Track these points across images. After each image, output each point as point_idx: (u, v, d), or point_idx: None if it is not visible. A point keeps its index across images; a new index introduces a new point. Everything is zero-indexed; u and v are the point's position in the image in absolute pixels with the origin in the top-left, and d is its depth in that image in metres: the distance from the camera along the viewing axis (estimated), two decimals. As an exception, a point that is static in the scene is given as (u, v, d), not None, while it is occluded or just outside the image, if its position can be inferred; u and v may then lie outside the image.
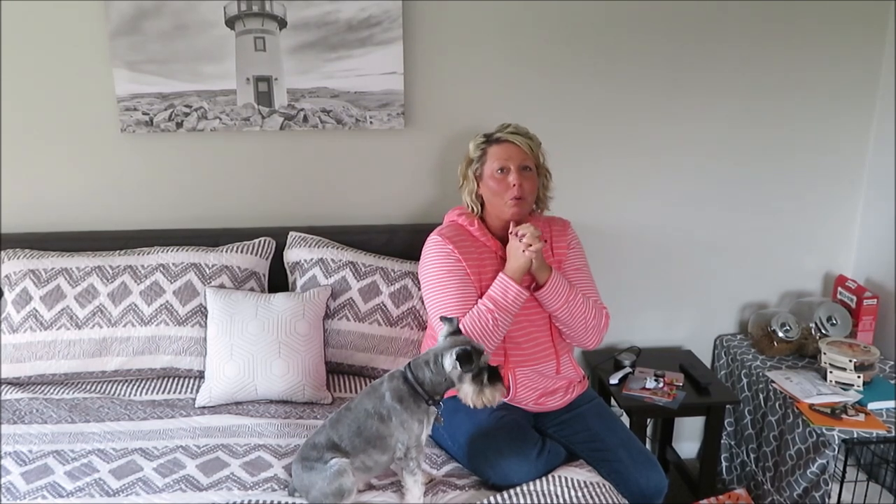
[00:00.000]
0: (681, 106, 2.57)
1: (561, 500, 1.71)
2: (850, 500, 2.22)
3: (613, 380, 2.49)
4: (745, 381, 2.59)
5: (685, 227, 2.71)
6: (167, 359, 2.28)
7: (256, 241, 2.43)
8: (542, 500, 1.71)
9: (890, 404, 2.25)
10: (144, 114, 2.41)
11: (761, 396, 2.47)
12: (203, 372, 2.27)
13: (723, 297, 2.80)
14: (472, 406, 1.67)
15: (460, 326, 1.82)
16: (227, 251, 2.39)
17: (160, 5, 2.31)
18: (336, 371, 2.36)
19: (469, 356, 1.63)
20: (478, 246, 2.03)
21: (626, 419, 2.32)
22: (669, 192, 2.67)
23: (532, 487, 1.75)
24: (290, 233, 2.46)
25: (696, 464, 2.81)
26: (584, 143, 2.58)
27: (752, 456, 2.56)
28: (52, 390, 2.24)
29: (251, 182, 2.53)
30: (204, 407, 2.15)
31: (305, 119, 2.45)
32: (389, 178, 2.56)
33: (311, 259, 2.39)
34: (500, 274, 1.94)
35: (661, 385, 2.44)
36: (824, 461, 2.14)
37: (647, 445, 2.55)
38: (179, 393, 2.25)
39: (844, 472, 2.15)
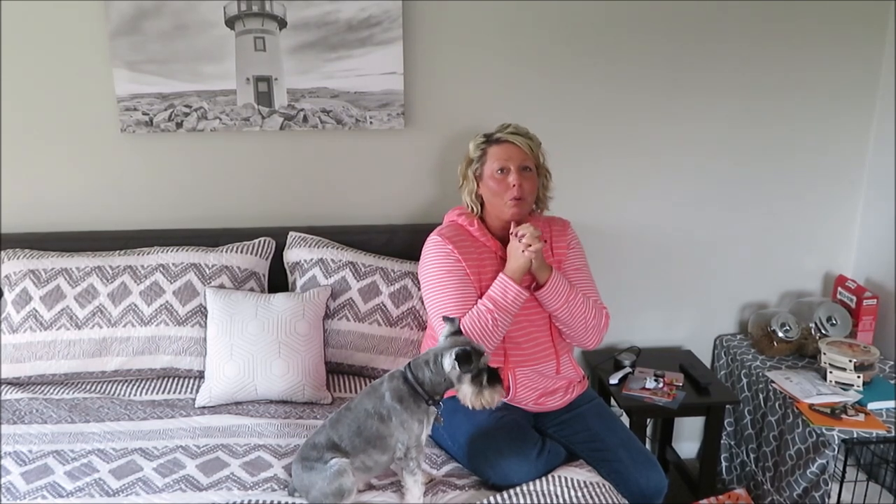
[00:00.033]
0: (681, 106, 2.57)
1: (561, 500, 1.71)
2: (849, 500, 2.22)
3: (613, 380, 2.49)
4: (744, 381, 2.59)
5: (685, 227, 2.71)
6: (167, 359, 2.28)
7: (256, 241, 2.43)
8: (542, 500, 1.71)
9: (890, 404, 2.25)
10: (144, 114, 2.41)
11: (761, 396, 2.47)
12: (203, 372, 2.27)
13: (723, 297, 2.80)
14: (470, 407, 1.67)
15: (460, 326, 1.82)
16: (227, 251, 2.39)
17: (160, 5, 2.31)
18: (336, 371, 2.36)
19: (468, 356, 1.63)
20: (477, 246, 2.03)
21: (626, 419, 2.32)
22: (669, 192, 2.67)
23: (532, 487, 1.75)
24: (290, 233, 2.46)
25: (695, 464, 2.81)
26: (584, 143, 2.58)
27: (751, 456, 2.56)
28: (52, 390, 2.24)
29: (251, 182, 2.53)
30: (204, 407, 2.15)
31: (305, 119, 2.45)
32: (389, 178, 2.56)
33: (311, 259, 2.39)
34: (500, 274, 1.94)
35: (660, 385, 2.44)
36: (824, 461, 2.14)
37: (647, 445, 2.55)
38: (179, 393, 2.25)
39: (844, 472, 2.15)
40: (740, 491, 2.46)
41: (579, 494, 1.74)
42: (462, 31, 2.44)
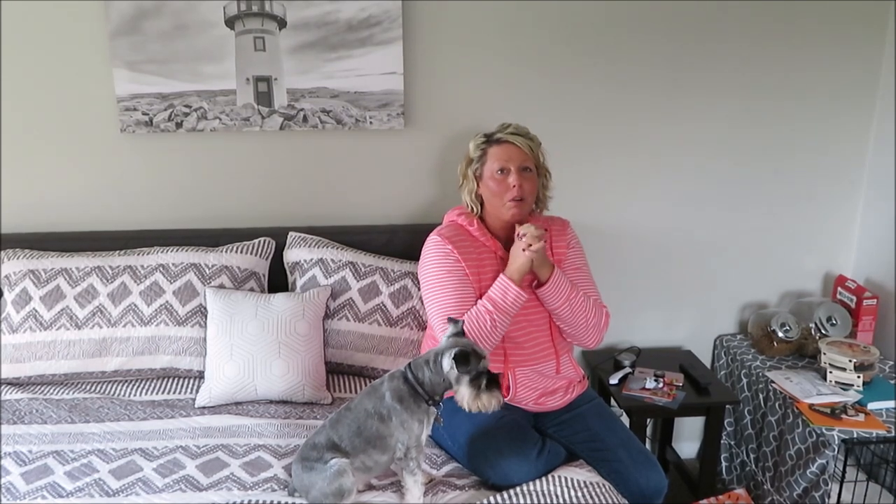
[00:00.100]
0: (681, 106, 2.57)
1: (561, 500, 1.71)
2: (849, 500, 2.22)
3: (613, 380, 2.49)
4: (744, 381, 2.59)
5: (685, 227, 2.71)
6: (167, 359, 2.28)
7: (256, 241, 2.43)
8: (542, 500, 1.71)
9: (890, 404, 2.25)
10: (144, 114, 2.41)
11: (761, 396, 2.47)
12: (203, 372, 2.27)
13: (723, 297, 2.80)
14: (467, 410, 1.67)
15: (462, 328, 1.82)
16: (226, 251, 2.39)
17: (160, 5, 2.31)
18: (336, 371, 2.36)
19: (467, 357, 1.63)
20: (477, 246, 2.03)
21: (625, 419, 2.32)
22: (669, 192, 2.67)
23: (532, 487, 1.75)
24: (290, 233, 2.46)
25: (695, 464, 2.81)
26: (584, 143, 2.58)
27: (751, 456, 2.56)
28: (51, 390, 2.24)
29: (251, 182, 2.53)
30: (204, 407, 2.15)
31: (305, 119, 2.45)
32: (389, 178, 2.56)
33: (311, 259, 2.39)
34: (501, 275, 1.94)
35: (660, 385, 2.44)
36: (824, 461, 2.14)
37: (647, 445, 2.55)
38: (179, 393, 2.25)
39: (844, 472, 2.15)
40: (740, 491, 2.45)
41: (579, 494, 1.74)
42: (462, 31, 2.44)
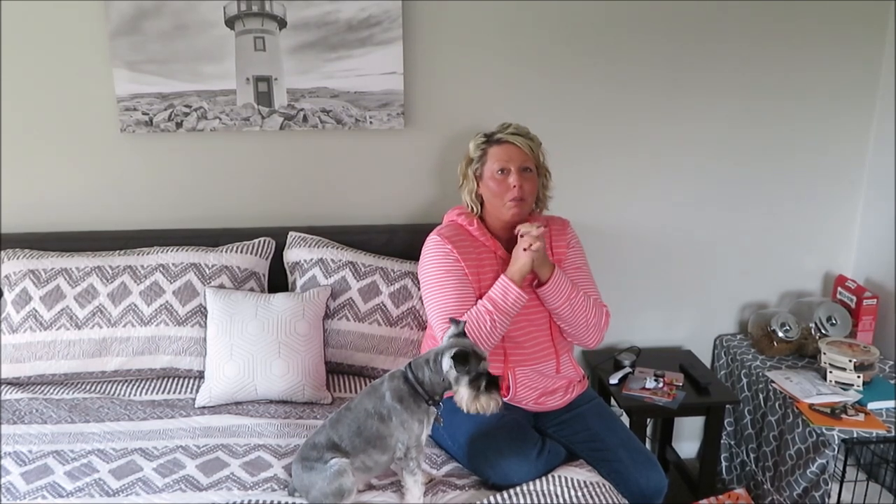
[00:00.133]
0: (681, 106, 2.57)
1: (561, 500, 1.71)
2: (849, 500, 2.22)
3: (613, 380, 2.49)
4: (744, 381, 2.59)
5: (685, 227, 2.71)
6: (167, 359, 2.28)
7: (256, 241, 2.43)
8: (542, 500, 1.71)
9: (890, 404, 2.25)
10: (144, 114, 2.41)
11: (761, 396, 2.47)
12: (203, 372, 2.27)
13: (723, 297, 2.80)
14: (465, 411, 1.67)
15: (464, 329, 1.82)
16: (226, 251, 2.39)
17: (160, 5, 2.31)
18: (336, 371, 2.36)
19: (465, 357, 1.63)
20: (477, 246, 2.03)
21: (625, 419, 2.32)
22: (669, 192, 2.67)
23: (532, 487, 1.75)
24: (290, 233, 2.46)
25: (695, 464, 2.81)
26: (584, 143, 2.58)
27: (751, 456, 2.56)
28: (51, 390, 2.24)
29: (251, 182, 2.53)
30: (204, 407, 2.15)
31: (305, 119, 2.45)
32: (389, 178, 2.56)
33: (311, 259, 2.39)
34: (502, 276, 1.94)
35: (660, 385, 2.44)
36: (824, 461, 2.14)
37: (647, 445, 2.55)
38: (179, 393, 2.25)
39: (844, 471, 2.15)
40: (740, 491, 2.46)
41: (579, 494, 1.74)
42: (462, 31, 2.44)
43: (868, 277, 2.69)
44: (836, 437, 2.11)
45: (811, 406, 2.25)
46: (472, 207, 2.09)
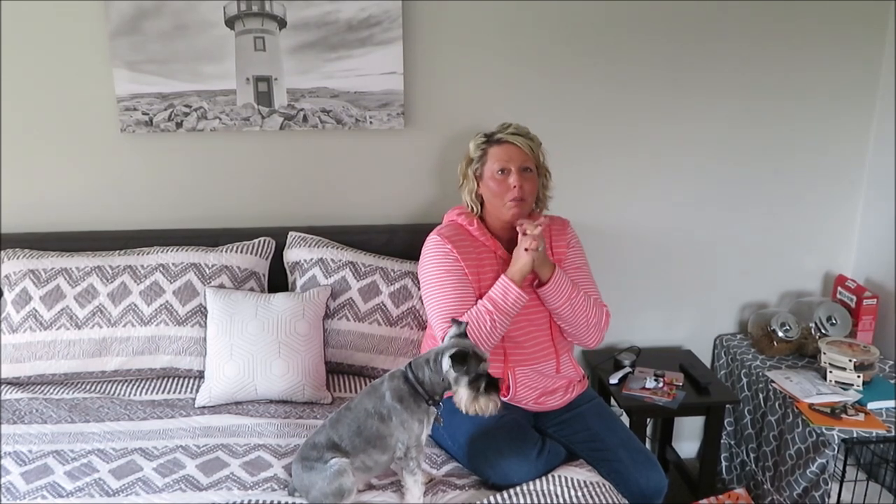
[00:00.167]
0: (681, 106, 2.57)
1: (561, 500, 1.71)
2: (849, 500, 2.22)
3: (613, 379, 2.49)
4: (744, 380, 2.59)
5: (685, 227, 2.71)
6: (167, 359, 2.28)
7: (256, 241, 2.43)
8: (542, 500, 1.71)
9: (890, 404, 2.25)
10: (144, 114, 2.41)
11: (761, 396, 2.47)
12: (203, 372, 2.27)
13: (723, 297, 2.80)
14: (464, 412, 1.67)
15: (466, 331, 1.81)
16: (226, 251, 2.39)
17: (160, 5, 2.31)
18: (336, 371, 2.36)
19: (464, 356, 1.63)
20: (477, 246, 2.03)
21: (625, 419, 2.32)
22: (669, 192, 2.67)
23: (532, 487, 1.75)
24: (290, 233, 2.46)
25: (695, 464, 2.81)
26: (584, 143, 2.58)
27: (751, 456, 2.56)
28: (51, 390, 2.24)
29: (251, 182, 2.53)
30: (204, 407, 2.15)
31: (305, 119, 2.45)
32: (389, 178, 2.56)
33: (311, 259, 2.39)
34: (502, 276, 1.94)
35: (660, 385, 2.44)
36: (824, 461, 2.14)
37: (647, 445, 2.55)
38: (179, 393, 2.25)
39: (844, 471, 2.15)
40: (740, 491, 2.45)
41: (579, 494, 1.74)
42: (462, 31, 2.44)
43: (868, 277, 2.69)
44: (836, 436, 2.11)
45: (811, 406, 2.25)
46: (472, 207, 2.09)
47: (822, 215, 2.73)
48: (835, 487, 2.17)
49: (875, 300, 2.54)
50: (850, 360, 2.32)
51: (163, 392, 2.25)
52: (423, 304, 2.13)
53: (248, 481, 1.79)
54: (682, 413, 2.45)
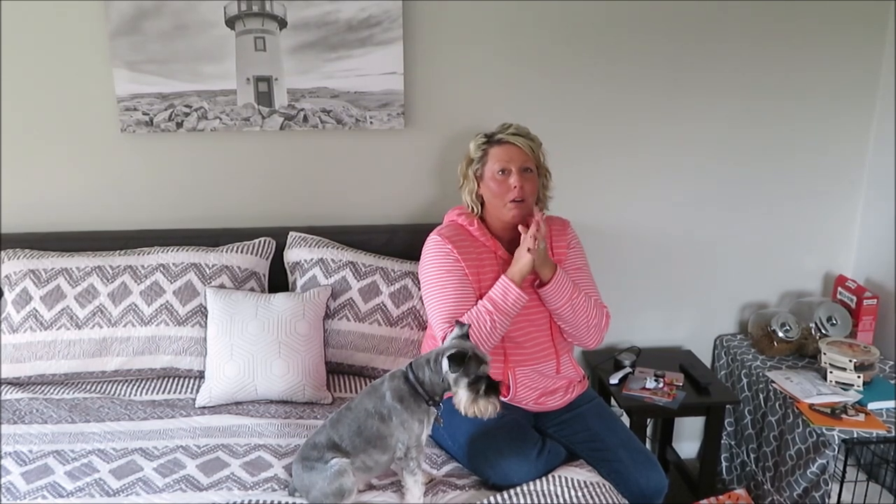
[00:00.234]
0: (681, 106, 2.57)
1: (561, 500, 1.71)
2: (850, 500, 2.22)
3: (613, 380, 2.49)
4: (745, 381, 2.59)
5: (685, 227, 2.71)
6: (167, 359, 2.28)
7: (256, 241, 2.43)
8: (542, 500, 1.71)
9: (890, 404, 2.25)
10: (144, 114, 2.41)
11: (761, 396, 2.47)
12: (203, 372, 2.27)
13: (723, 297, 2.80)
14: (463, 413, 1.67)
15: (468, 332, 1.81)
16: (227, 251, 2.39)
17: (160, 5, 2.31)
18: (336, 371, 2.36)
19: (462, 357, 1.63)
20: (477, 246, 2.03)
21: (626, 419, 2.32)
22: (669, 192, 2.67)
23: (532, 487, 1.75)
24: (290, 233, 2.46)
25: (696, 464, 2.81)
26: (584, 143, 2.58)
27: (752, 456, 2.56)
28: (52, 390, 2.24)
29: (251, 182, 2.53)
30: (204, 407, 2.15)
31: (305, 119, 2.45)
32: (389, 178, 2.56)
33: (311, 259, 2.39)
34: (502, 276, 1.94)
35: (661, 385, 2.44)
36: (824, 461, 2.14)
37: (647, 445, 2.55)
38: (179, 393, 2.25)
39: (844, 472, 2.15)
40: (740, 491, 2.45)
41: (579, 494, 1.74)
42: (462, 30, 2.44)
43: (868, 277, 2.69)
44: (836, 437, 2.11)
45: (811, 406, 2.25)
46: (472, 208, 2.09)
47: (822, 215, 2.73)
48: (835, 488, 2.17)
49: (875, 300, 2.54)
50: (851, 361, 2.32)
51: (163, 392, 2.25)
52: (423, 304, 2.13)
53: (248, 481, 1.79)
54: (682, 413, 2.45)
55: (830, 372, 2.36)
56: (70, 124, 2.42)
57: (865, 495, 2.22)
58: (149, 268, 2.33)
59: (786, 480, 2.32)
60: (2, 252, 2.37)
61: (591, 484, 1.79)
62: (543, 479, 1.79)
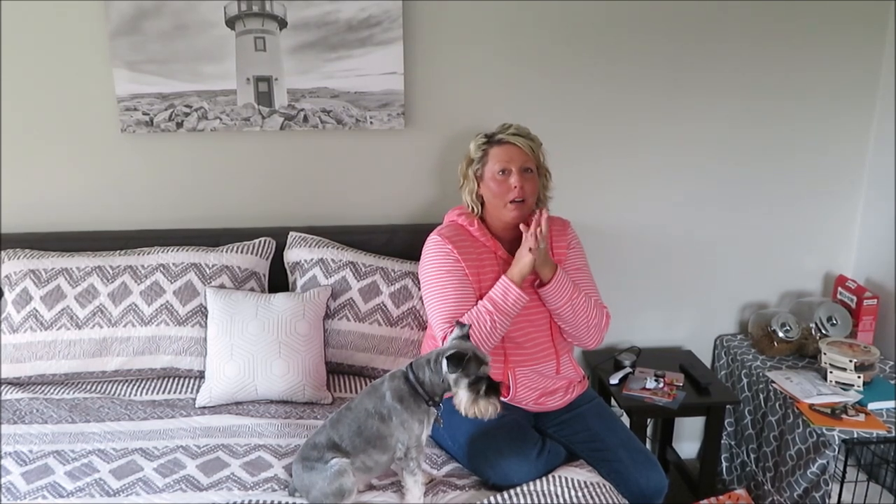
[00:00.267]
0: (681, 106, 2.57)
1: (561, 500, 1.71)
2: (850, 501, 2.22)
3: (613, 380, 2.49)
4: (745, 381, 2.59)
5: (685, 227, 2.71)
6: (167, 359, 2.28)
7: (256, 241, 2.43)
8: (542, 500, 1.71)
9: (890, 404, 2.25)
10: (144, 114, 2.41)
11: (761, 396, 2.47)
12: (203, 372, 2.27)
13: (723, 297, 2.80)
14: (463, 414, 1.67)
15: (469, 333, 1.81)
16: (227, 251, 2.39)
17: (160, 5, 2.31)
18: (336, 371, 2.36)
19: (461, 358, 1.63)
20: (477, 246, 2.03)
21: (626, 419, 2.32)
22: (669, 192, 2.67)
23: (532, 487, 1.75)
24: (290, 233, 2.46)
25: (696, 464, 2.82)
26: (584, 143, 2.58)
27: (752, 456, 2.56)
28: (52, 390, 2.24)
29: (251, 182, 2.53)
30: (204, 407, 2.15)
31: (305, 119, 2.45)
32: (389, 178, 2.56)
33: (312, 259, 2.39)
34: (503, 276, 1.94)
35: (661, 385, 2.44)
36: (824, 461, 2.14)
37: (647, 445, 2.55)
38: (179, 393, 2.25)
39: (844, 472, 2.15)
40: (740, 491, 2.45)
41: (579, 494, 1.74)
42: (462, 30, 2.44)
43: (868, 277, 2.69)
44: (836, 437, 2.11)
45: (811, 406, 2.25)
46: (472, 208, 2.09)
47: (822, 215, 2.73)
48: (835, 488, 2.17)
49: (875, 300, 2.54)
50: (851, 361, 2.32)
51: (163, 392, 2.25)
52: (423, 304, 2.13)
53: (248, 481, 1.79)
54: (682, 413, 2.45)
55: (830, 372, 2.36)
56: (70, 124, 2.42)
57: (866, 495, 2.22)
58: (149, 268, 2.33)
59: (786, 481, 2.32)
60: (2, 252, 2.37)
61: (591, 484, 1.79)
62: (543, 479, 1.79)
